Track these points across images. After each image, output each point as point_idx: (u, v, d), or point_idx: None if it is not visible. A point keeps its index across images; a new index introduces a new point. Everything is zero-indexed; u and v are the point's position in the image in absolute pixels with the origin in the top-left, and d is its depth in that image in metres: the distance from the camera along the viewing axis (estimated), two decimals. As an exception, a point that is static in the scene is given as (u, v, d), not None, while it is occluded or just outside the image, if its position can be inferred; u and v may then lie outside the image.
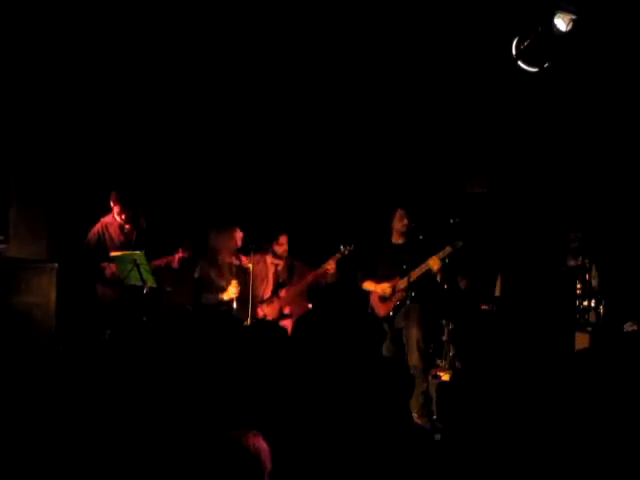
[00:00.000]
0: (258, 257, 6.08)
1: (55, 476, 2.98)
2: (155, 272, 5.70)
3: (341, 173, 7.49)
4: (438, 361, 6.86)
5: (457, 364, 6.62)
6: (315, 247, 6.48)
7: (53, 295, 5.77)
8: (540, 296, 6.86)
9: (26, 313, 5.63)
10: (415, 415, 5.33)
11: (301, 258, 6.31)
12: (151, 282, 5.64)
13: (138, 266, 5.55)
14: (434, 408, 5.48)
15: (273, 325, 5.87)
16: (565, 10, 4.92)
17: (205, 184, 7.19)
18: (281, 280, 6.19)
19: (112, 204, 6.07)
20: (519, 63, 5.24)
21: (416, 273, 5.72)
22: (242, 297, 5.80)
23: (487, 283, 7.31)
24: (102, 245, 6.03)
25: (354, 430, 2.90)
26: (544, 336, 6.28)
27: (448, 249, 5.71)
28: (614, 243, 6.92)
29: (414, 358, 5.64)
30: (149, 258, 5.65)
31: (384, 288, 5.86)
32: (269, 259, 6.17)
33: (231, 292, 5.78)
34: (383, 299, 5.89)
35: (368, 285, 6.00)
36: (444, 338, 6.85)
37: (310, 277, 6.15)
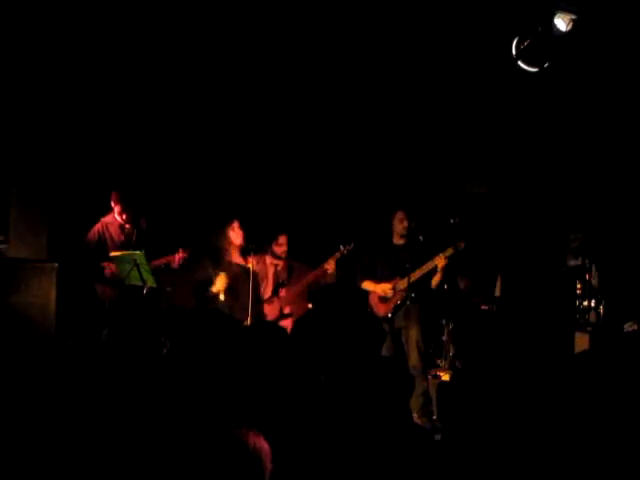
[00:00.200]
0: (258, 257, 6.08)
1: (55, 476, 2.98)
2: (155, 272, 5.70)
3: (341, 173, 7.49)
4: (438, 361, 6.87)
5: (457, 364, 6.63)
6: (315, 247, 6.47)
7: (53, 295, 5.78)
8: (540, 296, 6.86)
9: (26, 313, 5.64)
10: (415, 415, 5.34)
11: (301, 258, 6.31)
12: (151, 282, 5.64)
13: (138, 266, 5.54)
14: (434, 408, 5.49)
15: (273, 325, 5.86)
16: (565, 10, 4.92)
17: (205, 184, 7.19)
18: (281, 280, 6.19)
19: (113, 204, 6.06)
20: (519, 63, 5.24)
21: (417, 274, 5.73)
22: (242, 297, 5.80)
23: (487, 283, 7.32)
24: (102, 245, 6.02)
25: (354, 430, 2.90)
26: (544, 336, 6.28)
27: (450, 250, 5.71)
28: (614, 243, 6.92)
29: (414, 358, 5.66)
30: (149, 258, 5.65)
31: (384, 288, 5.87)
32: (268, 259, 6.16)
33: (219, 284, 5.74)
34: (383, 299, 5.90)
35: (367, 285, 6.00)
36: (444, 338, 6.86)
37: (310, 277, 6.15)
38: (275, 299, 6.11)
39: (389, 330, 5.75)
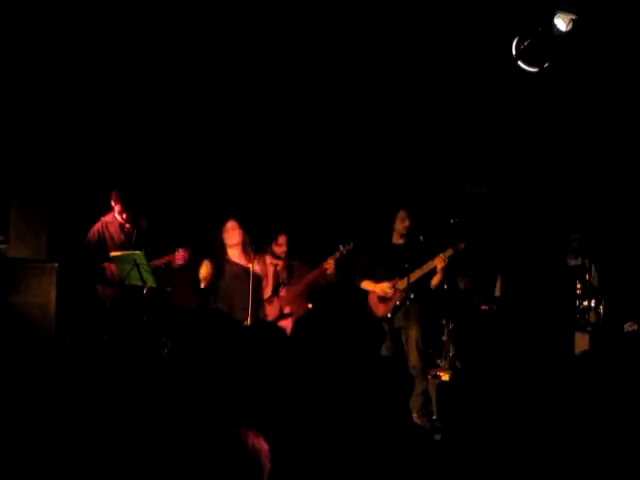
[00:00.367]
0: (258, 257, 6.08)
1: (55, 476, 2.98)
2: (155, 272, 5.70)
3: (340, 173, 7.49)
4: (438, 361, 6.88)
5: (457, 364, 6.63)
6: (315, 247, 6.47)
7: (53, 295, 5.77)
8: (540, 296, 6.86)
9: (26, 313, 5.63)
10: (415, 415, 5.34)
11: (301, 258, 6.31)
12: (151, 282, 5.64)
13: (138, 266, 5.55)
14: (434, 408, 5.49)
15: (273, 325, 5.86)
16: (565, 10, 4.92)
17: (205, 184, 7.19)
18: (281, 280, 6.19)
19: (113, 203, 6.06)
20: (519, 63, 5.25)
21: (417, 274, 5.73)
22: (242, 298, 5.80)
23: (487, 283, 7.32)
24: (102, 244, 6.02)
25: (353, 430, 2.90)
26: (544, 336, 6.28)
27: (450, 250, 5.71)
28: (614, 243, 6.93)
29: (413, 358, 5.66)
30: (149, 258, 5.65)
31: (384, 288, 5.86)
32: (268, 259, 6.17)
33: (202, 271, 5.75)
34: (382, 299, 5.90)
35: (366, 285, 6.00)
36: (444, 338, 6.87)
37: (310, 277, 6.15)
38: (275, 299, 6.11)
39: (389, 330, 5.75)
